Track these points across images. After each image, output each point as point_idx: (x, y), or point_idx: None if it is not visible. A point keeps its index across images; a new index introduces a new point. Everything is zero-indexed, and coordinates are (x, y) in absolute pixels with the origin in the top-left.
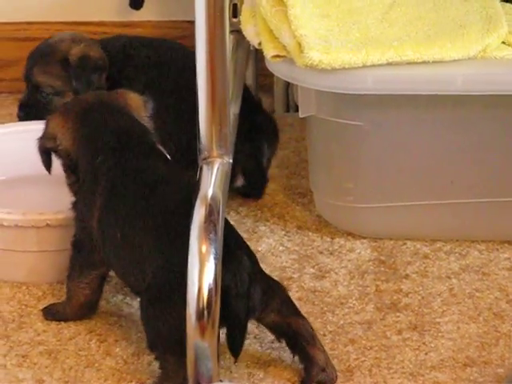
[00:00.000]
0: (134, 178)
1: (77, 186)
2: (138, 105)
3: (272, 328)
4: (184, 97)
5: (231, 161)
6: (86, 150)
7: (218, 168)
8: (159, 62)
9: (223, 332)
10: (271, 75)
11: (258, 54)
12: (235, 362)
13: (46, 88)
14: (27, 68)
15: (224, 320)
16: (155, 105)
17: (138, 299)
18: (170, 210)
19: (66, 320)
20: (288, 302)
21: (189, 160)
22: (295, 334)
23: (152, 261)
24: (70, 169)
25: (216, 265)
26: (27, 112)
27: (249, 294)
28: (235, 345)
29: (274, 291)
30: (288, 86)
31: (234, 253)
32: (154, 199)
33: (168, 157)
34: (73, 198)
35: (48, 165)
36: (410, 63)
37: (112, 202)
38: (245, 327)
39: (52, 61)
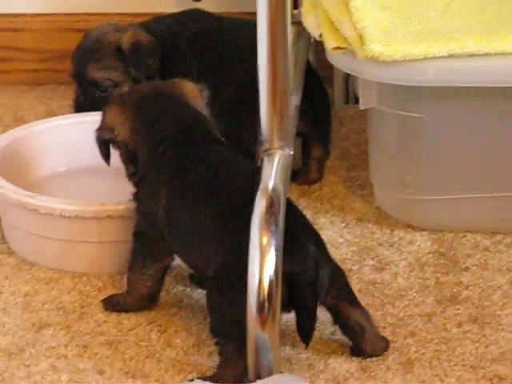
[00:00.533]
0: (199, 164)
1: (137, 177)
2: (194, 93)
3: (330, 312)
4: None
5: (292, 152)
6: (145, 141)
7: (278, 160)
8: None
9: (283, 323)
10: (331, 67)
11: (318, 46)
12: (306, 348)
13: (105, 82)
14: (78, 67)
15: (293, 307)
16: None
17: (199, 290)
18: (237, 196)
19: (126, 311)
20: (345, 288)
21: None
22: (346, 323)
23: (219, 248)
24: (129, 160)
25: (277, 256)
26: (85, 111)
27: (316, 280)
28: (306, 332)
29: (335, 277)
30: (347, 77)
31: (301, 241)
32: (220, 185)
33: (228, 144)
34: (133, 189)
35: (106, 156)
36: (471, 55)
37: (179, 189)
38: (314, 314)
39: (105, 54)
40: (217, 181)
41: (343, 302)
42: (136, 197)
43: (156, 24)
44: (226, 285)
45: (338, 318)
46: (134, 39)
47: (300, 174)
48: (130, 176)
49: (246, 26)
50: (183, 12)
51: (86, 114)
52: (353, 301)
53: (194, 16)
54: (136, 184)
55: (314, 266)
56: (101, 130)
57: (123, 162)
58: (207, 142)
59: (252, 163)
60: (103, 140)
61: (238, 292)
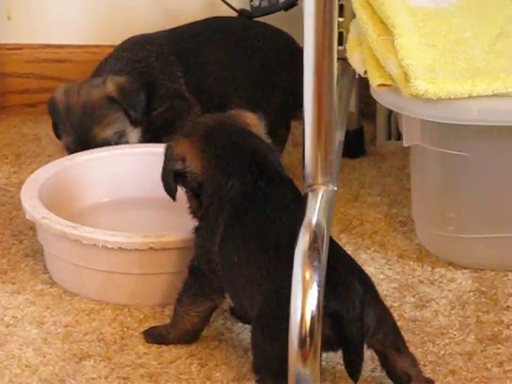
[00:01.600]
0: (257, 204)
1: (200, 212)
2: (256, 123)
3: (377, 354)
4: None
5: (336, 188)
6: (214, 173)
7: (322, 195)
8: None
9: (324, 359)
10: (374, 103)
11: (362, 82)
12: None
13: (114, 137)
14: (81, 136)
15: (340, 346)
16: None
17: (240, 324)
18: (286, 238)
19: (167, 344)
20: (393, 333)
21: None
22: (392, 370)
23: (263, 286)
24: (195, 193)
25: (319, 292)
26: None
27: (361, 317)
28: (353, 369)
29: (382, 320)
30: (390, 114)
31: (345, 278)
32: (270, 225)
33: (292, 182)
34: (195, 223)
35: (173, 190)
36: None
37: (233, 226)
38: (361, 351)
39: (102, 111)
40: (270, 221)
41: (390, 349)
42: (197, 231)
43: (115, 64)
44: (268, 322)
45: (385, 364)
46: (118, 84)
47: None
48: (194, 210)
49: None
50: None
51: (130, 145)
52: (401, 348)
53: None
54: (198, 219)
55: (359, 303)
56: (170, 161)
57: (188, 196)
58: (273, 180)
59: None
60: (173, 171)
61: (280, 329)
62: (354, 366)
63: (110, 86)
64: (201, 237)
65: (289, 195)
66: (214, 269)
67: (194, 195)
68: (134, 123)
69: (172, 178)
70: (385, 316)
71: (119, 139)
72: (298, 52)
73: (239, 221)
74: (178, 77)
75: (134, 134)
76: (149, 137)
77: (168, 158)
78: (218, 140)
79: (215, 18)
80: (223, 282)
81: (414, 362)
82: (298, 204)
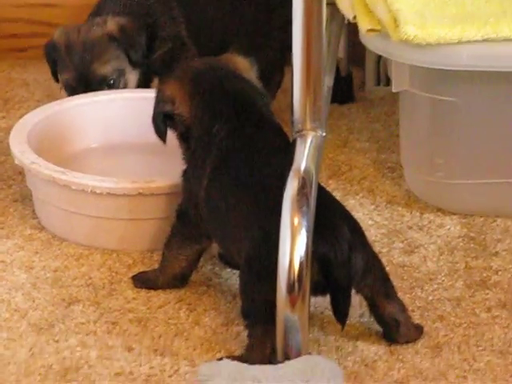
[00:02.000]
0: (244, 149)
1: (188, 155)
2: (246, 67)
3: (365, 300)
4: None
5: (324, 134)
6: (202, 116)
7: (311, 141)
8: None
9: (312, 305)
10: (362, 48)
11: (350, 27)
12: (342, 328)
13: (113, 74)
14: (81, 70)
15: (327, 290)
16: None
17: (228, 269)
18: (273, 182)
19: (155, 288)
20: (382, 279)
21: None
22: (381, 316)
23: (251, 231)
24: (183, 136)
25: (308, 237)
26: None
27: (349, 262)
28: (341, 312)
29: (371, 266)
30: (379, 59)
31: (333, 222)
32: (258, 171)
33: (281, 127)
34: (183, 167)
35: (163, 133)
36: (505, 40)
37: (220, 171)
38: (349, 295)
39: (103, 48)
40: (257, 165)
41: (378, 295)
42: (184, 175)
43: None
44: (256, 267)
45: (373, 310)
46: (119, 25)
47: None
48: (183, 153)
49: None
50: None
51: (118, 91)
52: (389, 294)
53: None
54: (186, 162)
55: (346, 247)
56: (161, 101)
57: (178, 138)
58: (260, 125)
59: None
60: (163, 112)
61: (268, 275)
62: (341, 310)
63: (112, 24)
64: (187, 180)
65: (277, 141)
66: (200, 213)
67: (183, 138)
68: (134, 64)
69: (162, 120)
70: (373, 261)
71: (118, 78)
72: None
73: (226, 165)
74: (180, 21)
75: (133, 75)
76: (147, 79)
77: (158, 99)
78: (206, 83)
79: None
80: (210, 226)
81: (402, 307)
82: (286, 150)
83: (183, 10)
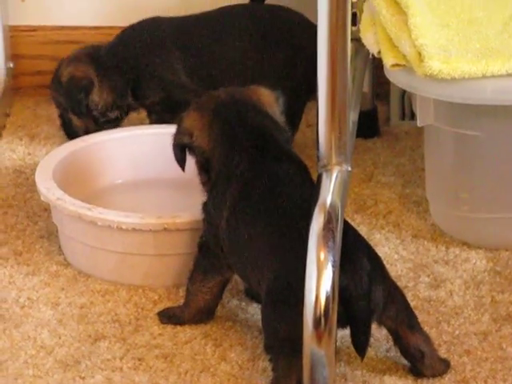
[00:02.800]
0: (265, 182)
1: (208, 186)
2: (271, 101)
3: (389, 333)
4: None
5: (350, 168)
6: (221, 149)
7: (336, 176)
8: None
9: (338, 339)
10: (387, 83)
11: (375, 62)
12: (362, 360)
13: (60, 119)
14: None
15: (346, 321)
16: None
17: (254, 304)
18: (295, 214)
19: (181, 324)
20: (405, 311)
21: None
22: (406, 347)
23: (273, 262)
24: (203, 167)
25: (334, 272)
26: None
27: (368, 293)
28: (360, 345)
29: (393, 297)
30: (404, 94)
31: (353, 254)
32: (280, 202)
33: (301, 161)
34: (203, 199)
35: (182, 161)
36: None
37: (241, 203)
38: (368, 327)
39: (56, 86)
40: (278, 197)
41: (402, 326)
42: (204, 207)
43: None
44: (278, 299)
45: (398, 342)
46: (70, 74)
47: None
48: (203, 182)
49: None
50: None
51: (143, 126)
52: (413, 325)
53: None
54: (207, 192)
55: (367, 279)
56: (179, 133)
57: (198, 168)
58: (280, 158)
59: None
60: (182, 144)
61: (291, 307)
62: (360, 342)
63: (66, 72)
64: (208, 212)
65: (298, 174)
66: (220, 244)
67: (203, 169)
68: (75, 113)
69: (180, 151)
70: (394, 293)
71: (65, 123)
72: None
73: (248, 197)
74: (177, 68)
75: (79, 122)
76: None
77: (177, 130)
78: (226, 116)
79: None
80: (231, 257)
81: (427, 339)
82: (307, 183)
83: (187, 57)
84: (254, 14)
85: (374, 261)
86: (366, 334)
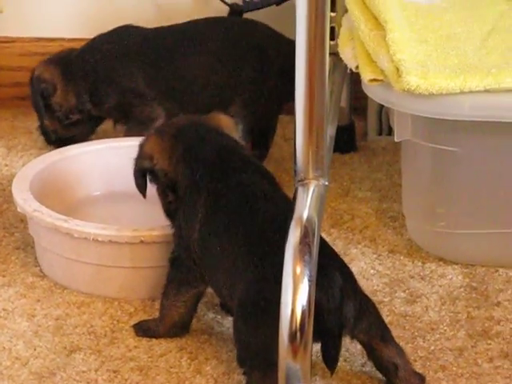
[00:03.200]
0: (235, 191)
1: (175, 205)
2: (229, 125)
3: (363, 347)
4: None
5: (327, 183)
6: (184, 167)
7: (313, 190)
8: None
9: (313, 353)
10: (365, 98)
11: (353, 76)
12: (331, 374)
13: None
14: None
15: (318, 335)
16: None
17: (230, 318)
18: (266, 225)
19: (157, 337)
20: (377, 324)
21: None
22: (379, 360)
23: (244, 274)
24: (169, 188)
25: (310, 287)
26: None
27: (340, 307)
28: (330, 359)
29: (365, 311)
30: (381, 109)
31: (326, 268)
32: (251, 213)
33: (267, 170)
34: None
35: (143, 187)
36: (508, 90)
37: (213, 214)
38: (339, 342)
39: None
40: (248, 207)
41: (375, 339)
42: (174, 224)
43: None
44: (250, 312)
45: (371, 355)
46: (37, 75)
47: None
48: (168, 205)
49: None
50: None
51: (120, 139)
52: (386, 337)
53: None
54: (173, 211)
55: (339, 293)
56: (139, 158)
57: (159, 192)
58: (244, 168)
59: (282, 192)
60: (142, 169)
61: (263, 319)
62: (330, 356)
63: (36, 71)
64: (178, 226)
65: (264, 182)
66: (192, 256)
67: (170, 189)
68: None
69: (141, 176)
70: (367, 306)
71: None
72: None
73: (218, 208)
74: (137, 76)
75: (45, 120)
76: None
77: (137, 156)
78: (186, 136)
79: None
80: (203, 270)
81: (400, 352)
82: (275, 192)
83: (148, 67)
84: (221, 28)
85: (346, 275)
86: (337, 347)
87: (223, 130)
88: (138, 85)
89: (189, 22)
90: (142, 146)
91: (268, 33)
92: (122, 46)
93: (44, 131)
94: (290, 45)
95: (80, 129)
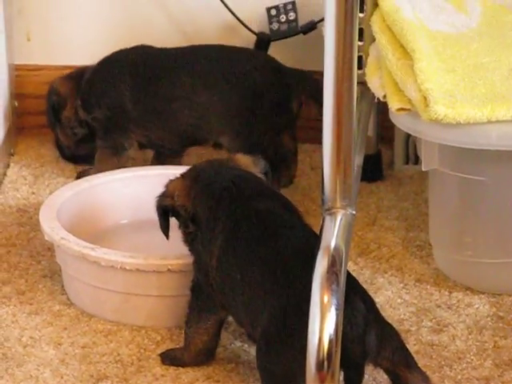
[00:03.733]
0: (255, 219)
1: (194, 235)
2: (247, 163)
3: (387, 374)
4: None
5: (354, 212)
6: (202, 199)
7: (341, 219)
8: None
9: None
10: (392, 127)
11: (379, 105)
12: None
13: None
14: None
15: (341, 363)
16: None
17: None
18: (290, 254)
19: (183, 366)
20: (401, 350)
21: None
22: None
23: (268, 303)
24: (189, 220)
25: (337, 316)
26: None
27: (364, 336)
28: None
29: (388, 338)
30: (408, 138)
31: (349, 297)
32: (274, 242)
33: (284, 197)
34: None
35: (166, 228)
36: None
37: (233, 242)
38: (362, 370)
39: None
40: (268, 235)
41: (399, 366)
42: (193, 251)
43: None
44: (274, 341)
45: (396, 382)
46: (52, 87)
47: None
48: (188, 235)
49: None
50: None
51: (146, 167)
52: (410, 364)
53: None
54: (193, 240)
55: (362, 322)
56: (162, 196)
57: (181, 227)
58: (261, 196)
59: (303, 220)
60: (163, 206)
61: (288, 349)
62: None
63: (55, 83)
64: (196, 250)
65: (284, 212)
66: (211, 283)
67: (189, 221)
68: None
69: (163, 217)
70: (390, 333)
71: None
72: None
73: (237, 234)
74: (124, 94)
75: (59, 134)
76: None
77: (160, 195)
78: (204, 175)
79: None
80: (223, 297)
81: (426, 378)
82: (296, 220)
83: (135, 86)
84: (218, 55)
85: (368, 303)
86: (360, 376)
87: (241, 166)
88: (125, 102)
89: (189, 46)
90: (166, 187)
91: (263, 63)
92: (121, 62)
93: (59, 146)
94: (289, 75)
95: (90, 146)
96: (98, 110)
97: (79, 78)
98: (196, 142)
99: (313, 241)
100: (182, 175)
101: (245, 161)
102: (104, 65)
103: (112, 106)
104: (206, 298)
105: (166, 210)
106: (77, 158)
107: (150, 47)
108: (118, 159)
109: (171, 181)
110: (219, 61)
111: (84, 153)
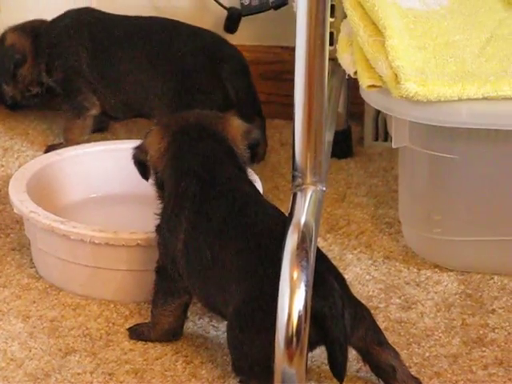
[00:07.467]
0: (223, 200)
1: (161, 206)
2: (237, 133)
3: (358, 353)
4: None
5: (324, 188)
6: (171, 173)
7: (311, 195)
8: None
9: (309, 358)
10: (361, 103)
11: (350, 82)
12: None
13: None
14: None
15: (323, 345)
16: None
17: (225, 321)
18: (261, 232)
19: (151, 341)
20: (373, 329)
21: None
22: (377, 364)
23: (241, 283)
24: (158, 185)
25: (307, 292)
26: None
27: (343, 315)
28: (339, 368)
29: (360, 318)
30: (378, 115)
31: (324, 277)
32: (243, 220)
33: (251, 181)
34: (157, 221)
35: (143, 173)
36: (505, 98)
37: (201, 224)
38: (345, 349)
39: None
40: (241, 216)
41: (372, 344)
42: (158, 230)
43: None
44: (247, 321)
45: (368, 359)
46: (10, 42)
47: None
48: (159, 198)
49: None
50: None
51: (117, 141)
52: (381, 341)
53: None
54: (159, 214)
55: (340, 301)
56: (137, 149)
57: (155, 184)
58: (232, 180)
59: (274, 205)
60: (137, 159)
61: (261, 328)
62: (338, 365)
63: (9, 38)
64: (163, 235)
65: (251, 193)
66: (177, 267)
67: (158, 187)
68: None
69: (138, 165)
70: (362, 313)
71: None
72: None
73: (207, 217)
74: (81, 56)
75: (6, 89)
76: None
77: (138, 145)
78: (180, 142)
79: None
80: (190, 279)
81: (396, 355)
82: (262, 200)
83: (92, 51)
84: (164, 32)
85: (340, 282)
86: (344, 356)
87: (225, 134)
88: (81, 65)
89: (145, 17)
90: (145, 137)
91: (202, 45)
92: (77, 23)
93: (0, 93)
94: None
95: (37, 100)
96: (58, 74)
97: (34, 35)
98: (139, 114)
99: (282, 217)
100: (163, 126)
101: (236, 129)
102: (62, 27)
103: (70, 67)
104: (171, 282)
105: (141, 163)
106: (18, 107)
107: (98, 11)
108: (82, 121)
109: (150, 133)
110: (162, 39)
111: (28, 104)
